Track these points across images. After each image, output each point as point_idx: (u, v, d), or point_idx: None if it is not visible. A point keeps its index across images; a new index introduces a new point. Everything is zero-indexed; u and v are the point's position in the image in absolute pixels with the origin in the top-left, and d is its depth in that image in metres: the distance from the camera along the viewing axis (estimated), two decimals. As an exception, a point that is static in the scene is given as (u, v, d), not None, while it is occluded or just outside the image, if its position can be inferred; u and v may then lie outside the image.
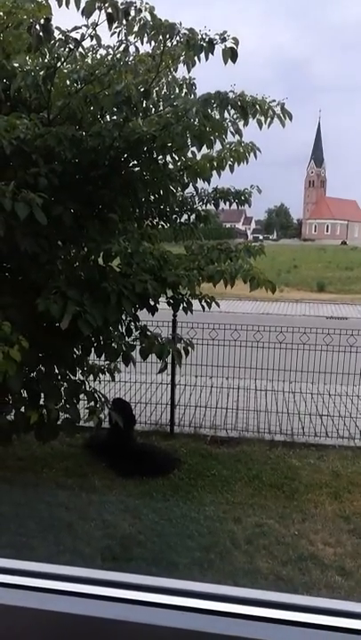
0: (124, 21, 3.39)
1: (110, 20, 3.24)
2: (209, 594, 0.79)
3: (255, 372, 6.39)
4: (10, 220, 3.24)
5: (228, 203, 4.84)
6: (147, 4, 3.42)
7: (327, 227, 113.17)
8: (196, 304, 4.35)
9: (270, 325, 6.15)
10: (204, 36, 3.35)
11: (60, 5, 3.26)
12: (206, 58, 3.38)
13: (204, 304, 4.22)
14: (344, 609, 0.80)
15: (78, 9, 3.15)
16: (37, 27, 3.24)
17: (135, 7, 3.37)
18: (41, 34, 3.26)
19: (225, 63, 3.29)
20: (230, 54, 3.30)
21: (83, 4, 3.22)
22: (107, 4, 3.20)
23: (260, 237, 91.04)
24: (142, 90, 3.52)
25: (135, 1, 3.38)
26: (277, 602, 0.77)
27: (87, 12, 3.22)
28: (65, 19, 3.39)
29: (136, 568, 3.55)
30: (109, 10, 3.20)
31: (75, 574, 0.83)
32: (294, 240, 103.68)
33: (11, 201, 3.12)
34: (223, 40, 3.31)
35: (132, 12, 3.37)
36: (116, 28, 3.50)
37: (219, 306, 4.35)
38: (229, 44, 3.31)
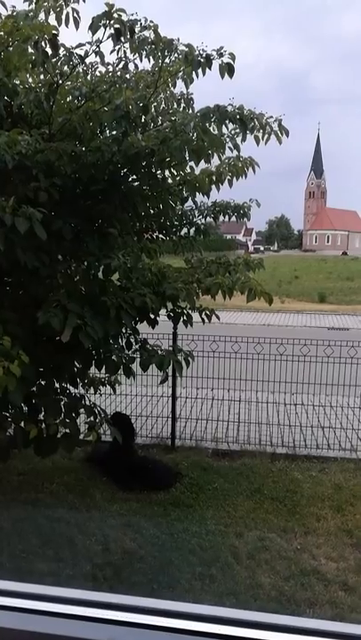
0: (124, 39, 3.44)
1: (118, 35, 3.28)
2: (195, 614, 0.79)
3: (256, 384, 6.37)
4: (10, 235, 3.26)
5: (227, 216, 4.87)
6: (151, 21, 3.47)
7: (328, 237, 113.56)
8: (196, 317, 4.36)
9: (271, 337, 6.15)
10: (201, 52, 3.40)
11: (59, 24, 3.32)
12: (203, 73, 3.42)
13: (204, 317, 4.22)
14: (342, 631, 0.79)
15: (77, 28, 3.21)
16: (44, 43, 3.29)
17: (140, 24, 3.42)
18: (47, 49, 3.30)
19: (222, 78, 3.33)
20: (227, 69, 3.34)
21: (82, 23, 3.28)
22: (112, 22, 3.25)
23: (261, 248, 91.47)
24: (141, 105, 3.56)
25: (140, 19, 3.43)
26: (268, 623, 0.77)
27: (93, 29, 3.27)
28: (64, 37, 3.44)
29: (137, 584, 3.52)
30: (116, 26, 3.25)
31: (56, 594, 0.83)
32: (295, 251, 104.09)
33: (11, 216, 3.15)
34: (220, 55, 3.36)
35: (137, 30, 3.42)
36: (116, 45, 3.56)
37: (219, 318, 4.35)
38: (226, 59, 3.35)
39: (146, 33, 3.42)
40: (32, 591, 0.85)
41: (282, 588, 3.48)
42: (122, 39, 3.29)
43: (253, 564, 3.72)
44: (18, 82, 3.91)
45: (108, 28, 3.21)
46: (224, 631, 0.76)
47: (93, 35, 3.25)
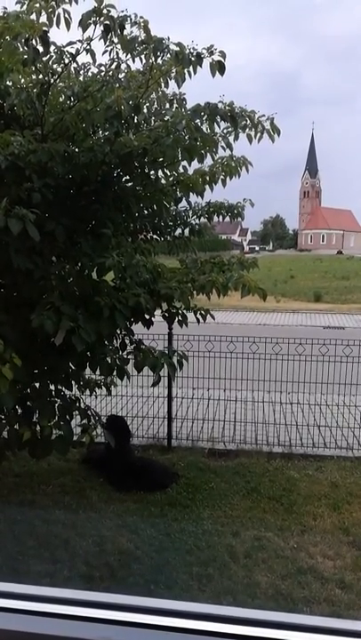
0: (116, 38, 3.43)
1: (107, 31, 3.27)
2: (190, 613, 0.79)
3: (252, 384, 6.37)
4: (3, 237, 3.25)
5: (221, 216, 4.88)
6: (141, 17, 3.46)
7: (323, 237, 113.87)
8: (191, 317, 4.35)
9: (267, 336, 6.16)
10: (192, 50, 3.40)
11: (51, 25, 3.31)
12: (195, 71, 3.42)
13: (199, 317, 4.22)
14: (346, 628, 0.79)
15: (69, 29, 3.20)
16: (34, 41, 3.27)
17: (130, 20, 3.42)
18: (39, 46, 3.28)
19: (213, 76, 3.32)
20: (218, 67, 3.34)
21: (75, 23, 3.27)
22: (102, 18, 3.24)
23: (257, 248, 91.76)
24: (132, 104, 3.55)
25: (130, 15, 3.43)
26: (263, 620, 0.77)
27: (83, 25, 3.26)
28: (56, 39, 3.43)
29: (134, 584, 3.51)
30: (106, 22, 3.24)
31: (50, 594, 0.83)
32: (290, 250, 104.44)
33: (4, 217, 3.14)
34: (211, 53, 3.36)
35: (128, 27, 3.42)
36: (108, 46, 3.55)
37: (214, 318, 4.35)
38: (217, 57, 3.35)
39: (136, 31, 3.41)
40: (26, 592, 0.85)
41: (279, 587, 3.48)
42: (113, 38, 3.28)
43: (250, 564, 3.72)
44: (10, 83, 3.90)
45: (97, 25, 3.21)
46: (219, 629, 0.76)
47: (84, 32, 3.24)
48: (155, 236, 4.96)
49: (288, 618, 0.80)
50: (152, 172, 4.11)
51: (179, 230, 5.02)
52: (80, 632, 0.77)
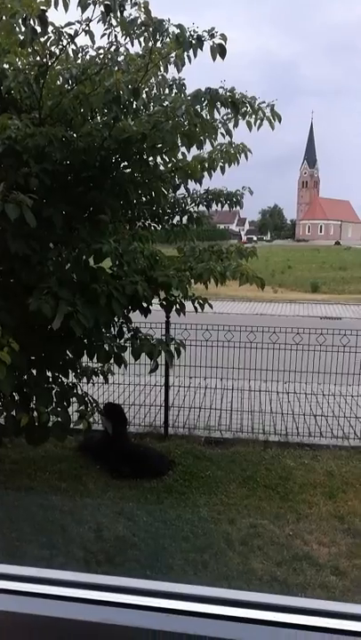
0: (115, 21, 3.37)
1: (107, 11, 3.20)
2: (186, 595, 0.79)
3: (249, 373, 6.38)
4: (0, 222, 3.22)
5: (220, 204, 4.84)
6: None
7: (321, 227, 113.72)
8: (189, 306, 4.34)
9: (264, 326, 6.15)
10: (192, 33, 3.34)
11: (48, 7, 3.24)
12: (195, 54, 3.36)
13: (197, 305, 4.20)
14: (333, 610, 0.79)
15: (67, 10, 3.14)
16: (32, 21, 3.19)
17: (131, 1, 3.35)
18: (37, 27, 3.21)
19: (213, 59, 3.26)
20: (219, 50, 3.28)
21: (72, 5, 3.21)
22: None
23: (254, 238, 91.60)
24: (131, 88, 3.50)
25: None
26: (259, 602, 0.77)
27: (83, 6, 3.19)
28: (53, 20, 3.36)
29: (130, 570, 3.53)
30: (106, 2, 3.17)
31: (48, 576, 0.82)
32: (288, 241, 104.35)
33: (1, 202, 3.10)
34: (212, 36, 3.30)
35: (128, 8, 3.35)
36: (106, 29, 3.49)
37: (212, 307, 4.33)
38: (218, 40, 3.30)
39: (135, 13, 3.35)
40: (24, 573, 0.84)
41: (274, 573, 3.51)
42: (112, 20, 3.21)
43: (246, 550, 3.75)
44: (7, 65, 3.84)
45: (97, 6, 3.14)
46: (215, 610, 0.76)
47: (83, 12, 3.17)
48: (153, 224, 4.92)
49: (281, 600, 0.80)
50: (151, 159, 4.07)
51: (177, 218, 4.99)
52: (79, 614, 0.77)
